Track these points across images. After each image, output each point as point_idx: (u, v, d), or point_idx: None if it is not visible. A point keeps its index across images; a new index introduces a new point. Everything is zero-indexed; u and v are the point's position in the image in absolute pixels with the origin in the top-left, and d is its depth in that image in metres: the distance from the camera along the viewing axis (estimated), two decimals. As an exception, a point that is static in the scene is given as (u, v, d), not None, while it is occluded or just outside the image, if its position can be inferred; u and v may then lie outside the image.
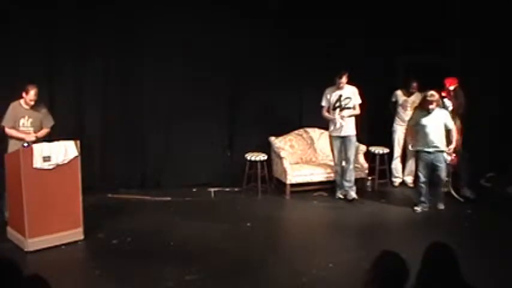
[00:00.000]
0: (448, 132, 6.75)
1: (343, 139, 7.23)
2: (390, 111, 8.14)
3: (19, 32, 6.73)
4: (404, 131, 7.90)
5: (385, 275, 2.66)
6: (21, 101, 5.95)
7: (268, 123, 8.12)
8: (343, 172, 7.35)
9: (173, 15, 7.43)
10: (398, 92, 8.03)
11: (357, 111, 7.22)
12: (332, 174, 7.51)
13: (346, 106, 7.14)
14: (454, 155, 6.92)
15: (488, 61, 7.80)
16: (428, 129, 6.67)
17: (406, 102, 7.93)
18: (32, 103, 5.93)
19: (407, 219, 6.74)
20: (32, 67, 6.82)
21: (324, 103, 7.25)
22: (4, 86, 6.14)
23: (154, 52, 7.50)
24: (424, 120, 6.70)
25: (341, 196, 7.40)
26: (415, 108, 7.86)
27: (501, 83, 7.85)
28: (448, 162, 6.86)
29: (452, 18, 8.08)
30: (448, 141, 6.74)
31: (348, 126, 7.19)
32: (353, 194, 7.31)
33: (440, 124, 6.67)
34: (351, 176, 7.32)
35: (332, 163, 7.52)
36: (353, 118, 7.22)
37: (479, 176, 7.84)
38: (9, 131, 5.95)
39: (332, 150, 7.41)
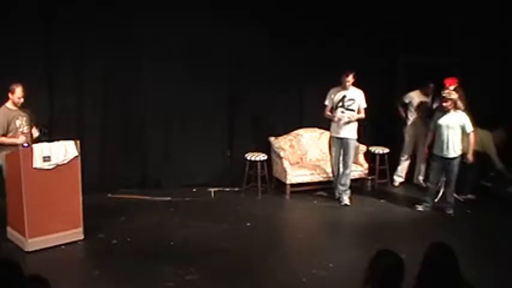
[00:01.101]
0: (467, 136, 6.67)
1: (342, 141, 7.16)
2: (400, 114, 8.09)
3: (19, 32, 6.72)
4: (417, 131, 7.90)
5: (382, 273, 2.67)
6: (7, 104, 5.82)
7: (268, 123, 8.12)
8: (339, 174, 7.30)
9: (173, 16, 7.42)
10: (413, 94, 7.94)
11: (362, 115, 7.11)
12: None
13: (349, 108, 7.04)
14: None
15: (488, 61, 7.80)
16: (443, 130, 6.63)
17: (421, 103, 7.88)
18: (21, 100, 5.78)
19: (407, 219, 6.74)
20: (32, 67, 6.81)
21: (327, 102, 7.20)
22: (4, 86, 6.11)
23: (154, 52, 7.49)
24: (441, 120, 6.68)
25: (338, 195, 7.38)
26: (420, 109, 7.89)
27: (501, 83, 7.84)
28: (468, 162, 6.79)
29: (452, 18, 8.08)
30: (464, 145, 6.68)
31: (348, 129, 7.08)
32: (346, 199, 7.23)
33: (455, 126, 6.60)
34: (346, 180, 7.24)
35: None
36: (355, 123, 7.09)
37: (479, 176, 7.83)
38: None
39: (330, 151, 7.37)
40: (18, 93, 5.76)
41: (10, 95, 5.79)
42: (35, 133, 5.95)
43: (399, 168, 8.16)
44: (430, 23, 8.06)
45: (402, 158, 8.13)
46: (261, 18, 7.76)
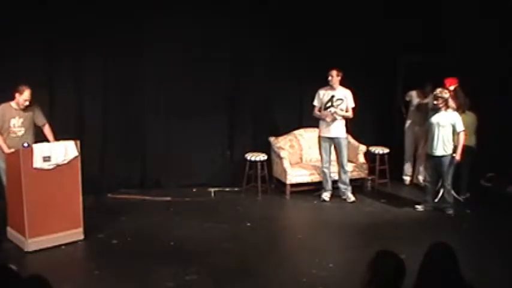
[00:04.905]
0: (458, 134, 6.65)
1: (332, 141, 7.17)
2: (401, 111, 8.13)
3: (19, 33, 6.72)
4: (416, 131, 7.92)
5: (382, 274, 2.67)
6: (12, 103, 5.86)
7: (268, 123, 8.13)
8: (330, 174, 7.33)
9: (173, 16, 7.42)
10: (413, 93, 7.98)
11: (350, 114, 7.14)
12: (333, 174, 7.44)
13: (338, 107, 7.08)
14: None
15: (488, 61, 7.80)
16: (433, 128, 6.65)
17: (421, 104, 7.91)
18: (27, 103, 5.83)
19: (407, 219, 6.73)
20: (32, 67, 6.80)
21: (316, 102, 7.21)
22: (4, 86, 6.11)
23: (154, 52, 7.49)
24: (432, 119, 6.70)
25: (326, 198, 7.36)
26: (418, 110, 7.90)
27: (501, 83, 7.84)
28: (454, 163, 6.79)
29: (452, 18, 8.07)
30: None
31: (337, 128, 7.11)
32: (350, 196, 7.32)
33: (446, 124, 6.60)
34: (346, 178, 7.31)
35: (334, 163, 7.43)
36: (343, 121, 7.14)
37: (479, 176, 7.84)
38: None
39: (320, 152, 7.34)
40: (25, 95, 5.79)
41: (17, 95, 5.82)
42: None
43: (405, 168, 8.25)
44: (429, 23, 8.06)
45: (406, 158, 8.21)
46: (261, 18, 7.77)
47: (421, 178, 8.03)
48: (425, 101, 7.85)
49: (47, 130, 6.10)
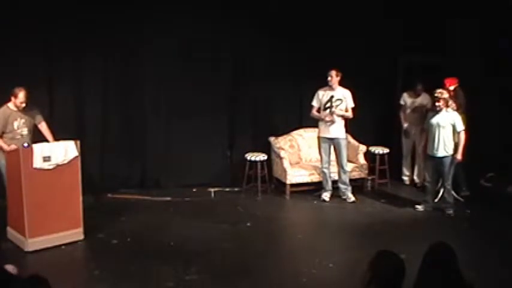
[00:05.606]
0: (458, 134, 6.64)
1: (332, 141, 7.18)
2: (399, 119, 8.14)
3: (19, 33, 6.72)
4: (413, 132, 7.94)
5: (382, 274, 2.67)
6: (9, 104, 5.87)
7: (268, 123, 8.13)
8: (330, 175, 7.34)
9: (173, 16, 7.42)
10: (405, 94, 8.01)
11: (350, 114, 7.15)
12: (333, 175, 7.44)
13: (337, 108, 7.08)
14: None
15: (488, 61, 7.80)
16: (434, 129, 6.65)
17: (414, 104, 7.92)
18: (23, 105, 5.84)
19: (407, 219, 6.74)
20: (32, 67, 6.81)
21: (314, 103, 7.21)
22: (4, 86, 6.11)
23: (154, 52, 7.50)
24: (432, 120, 6.70)
25: (326, 199, 7.37)
26: (413, 110, 7.93)
27: (501, 83, 7.84)
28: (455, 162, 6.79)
29: (453, 17, 8.08)
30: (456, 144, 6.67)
31: (336, 129, 7.12)
32: (350, 196, 7.32)
33: (446, 125, 6.60)
34: (346, 178, 7.31)
35: (334, 163, 7.43)
36: (342, 122, 7.16)
37: (479, 176, 7.83)
38: None
39: (320, 152, 7.35)
40: (20, 98, 5.80)
41: (13, 99, 5.83)
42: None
43: (404, 169, 8.27)
44: (429, 23, 8.06)
45: (404, 159, 8.22)
46: (261, 18, 7.76)
47: (420, 178, 8.04)
48: (418, 100, 7.87)
49: (45, 128, 6.11)
